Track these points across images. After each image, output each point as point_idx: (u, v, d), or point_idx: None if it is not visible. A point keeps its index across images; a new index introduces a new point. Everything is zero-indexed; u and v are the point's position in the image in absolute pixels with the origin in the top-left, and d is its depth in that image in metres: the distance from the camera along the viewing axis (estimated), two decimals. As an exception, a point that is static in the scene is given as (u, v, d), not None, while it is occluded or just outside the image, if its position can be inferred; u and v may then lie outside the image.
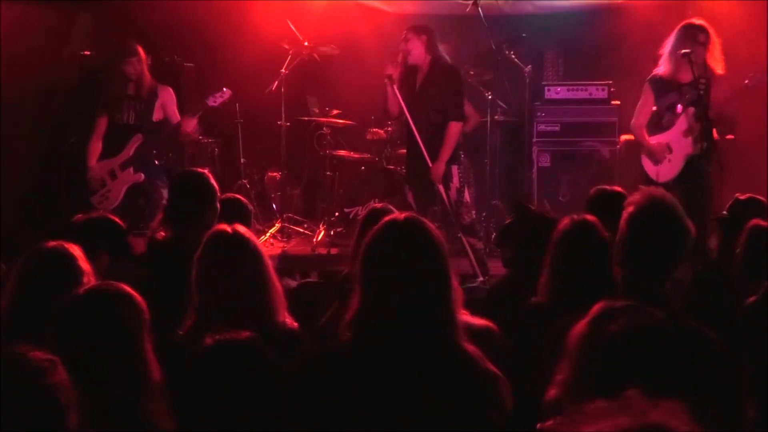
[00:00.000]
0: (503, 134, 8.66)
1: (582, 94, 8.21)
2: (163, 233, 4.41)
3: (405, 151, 7.43)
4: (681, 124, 6.52)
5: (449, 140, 6.68)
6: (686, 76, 6.46)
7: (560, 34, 9.38)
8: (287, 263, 7.22)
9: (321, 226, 8.22)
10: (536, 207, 7.57)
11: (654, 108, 6.69)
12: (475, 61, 8.34)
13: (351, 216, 7.87)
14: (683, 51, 6.37)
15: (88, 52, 8.36)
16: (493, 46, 7.92)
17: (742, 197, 4.57)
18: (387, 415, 2.36)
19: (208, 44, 9.13)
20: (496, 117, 8.42)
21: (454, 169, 6.80)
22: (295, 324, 3.28)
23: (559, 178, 8.11)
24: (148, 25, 8.47)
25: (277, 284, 3.32)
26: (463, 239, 6.62)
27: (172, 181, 4.93)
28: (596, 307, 2.36)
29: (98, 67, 8.02)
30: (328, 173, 8.59)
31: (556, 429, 2.09)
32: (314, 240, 8.05)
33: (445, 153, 6.68)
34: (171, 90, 7.17)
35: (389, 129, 8.36)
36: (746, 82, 6.54)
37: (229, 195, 4.95)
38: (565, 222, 3.51)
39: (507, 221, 4.66)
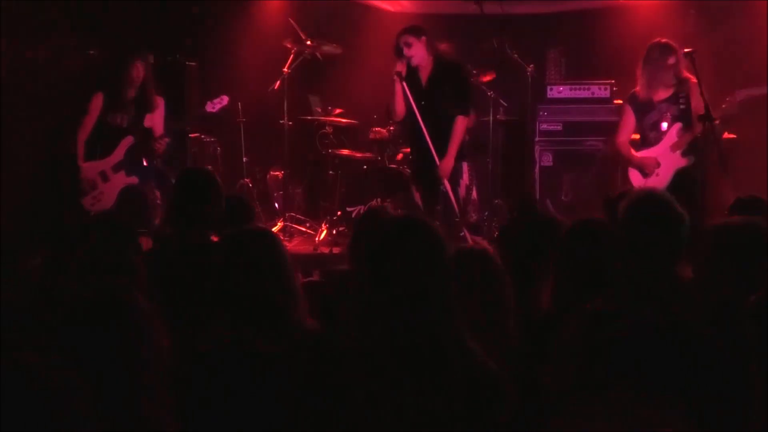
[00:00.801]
0: (505, 133, 8.67)
1: (584, 94, 8.22)
2: (169, 230, 4.42)
3: (408, 150, 7.44)
4: (668, 139, 6.63)
5: (456, 134, 6.71)
6: (661, 94, 6.57)
7: (562, 34, 9.40)
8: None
9: (323, 225, 8.23)
10: (539, 207, 7.63)
11: (634, 126, 6.83)
12: (477, 61, 8.34)
13: (353, 215, 7.87)
14: (685, 50, 6.43)
15: (93, 52, 8.37)
16: (495, 45, 7.93)
17: (744, 197, 4.59)
18: (389, 413, 2.37)
19: (211, 43, 9.14)
20: (498, 116, 8.43)
21: (465, 165, 6.83)
22: (316, 324, 3.28)
23: (562, 178, 8.12)
24: (151, 24, 8.48)
25: (298, 284, 3.34)
26: (468, 237, 6.63)
27: (177, 179, 4.93)
28: (591, 306, 2.37)
29: (102, 66, 8.02)
30: (330, 172, 8.59)
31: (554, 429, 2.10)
32: (316, 239, 8.05)
33: (453, 148, 6.71)
34: (163, 102, 7.17)
35: (391, 128, 8.36)
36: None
37: (233, 194, 4.96)
38: (571, 223, 3.52)
39: (511, 219, 4.65)
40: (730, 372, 2.70)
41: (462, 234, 6.64)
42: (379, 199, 7.81)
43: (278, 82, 8.26)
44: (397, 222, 2.56)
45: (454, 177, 6.74)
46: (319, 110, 9.14)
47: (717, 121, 6.30)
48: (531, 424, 2.41)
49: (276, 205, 8.98)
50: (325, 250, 7.77)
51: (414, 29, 6.87)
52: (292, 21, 8.38)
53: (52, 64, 8.09)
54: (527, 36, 9.05)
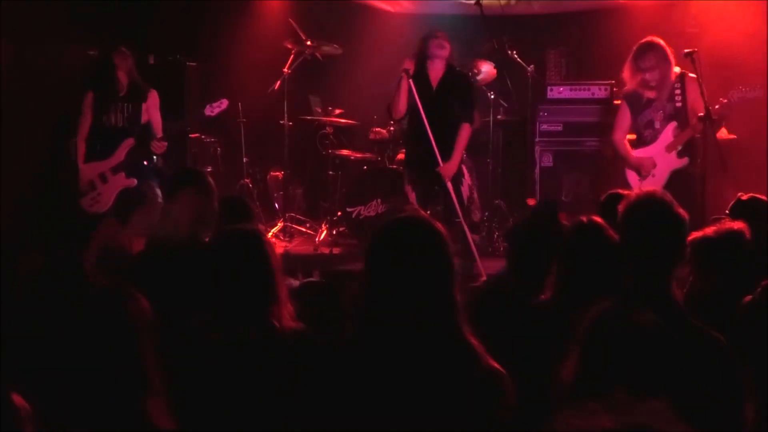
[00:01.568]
0: (506, 134, 8.67)
1: (584, 94, 8.21)
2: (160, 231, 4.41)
3: (405, 150, 7.46)
4: (663, 139, 6.62)
5: (462, 140, 6.84)
6: (655, 92, 6.58)
7: (563, 34, 9.40)
8: (289, 263, 7.20)
9: (323, 225, 8.23)
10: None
11: (630, 122, 6.82)
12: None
13: (353, 216, 7.88)
14: (686, 51, 6.43)
15: (93, 51, 8.37)
16: (495, 46, 7.93)
17: (744, 197, 4.58)
18: (391, 411, 2.37)
19: (211, 43, 9.15)
20: (498, 117, 8.44)
21: (463, 167, 6.90)
22: (300, 324, 3.28)
23: (562, 178, 8.11)
24: (151, 24, 8.48)
25: (284, 284, 3.34)
26: (469, 237, 6.64)
27: (169, 179, 4.92)
28: (593, 308, 2.37)
29: (89, 65, 8.01)
30: (330, 173, 8.59)
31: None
32: (317, 239, 8.05)
33: (458, 152, 6.83)
34: (156, 93, 7.16)
35: (392, 128, 8.36)
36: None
37: (233, 195, 4.95)
38: (572, 223, 3.53)
39: (529, 218, 4.60)
40: (728, 372, 2.71)
41: (463, 234, 6.64)
42: (379, 200, 7.80)
43: (278, 83, 8.27)
44: (399, 220, 2.56)
45: (456, 178, 6.79)
46: (319, 110, 9.15)
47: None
48: (534, 422, 2.41)
49: (276, 205, 8.99)
50: (326, 251, 7.77)
51: (444, 33, 7.01)
52: (292, 21, 8.38)
53: (52, 64, 8.09)
54: (527, 36, 9.05)
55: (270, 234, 8.16)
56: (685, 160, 6.60)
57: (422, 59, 6.93)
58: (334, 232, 8.09)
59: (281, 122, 8.44)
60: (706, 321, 2.84)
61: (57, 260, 3.41)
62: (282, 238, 8.22)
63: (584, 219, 3.51)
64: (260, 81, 8.55)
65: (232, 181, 8.70)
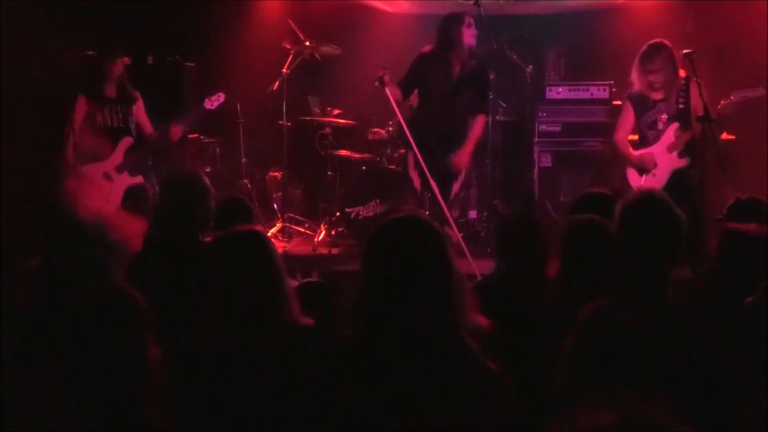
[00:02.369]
0: (504, 134, 8.67)
1: (583, 94, 8.20)
2: (156, 232, 4.41)
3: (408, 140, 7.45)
4: (666, 138, 6.63)
5: (477, 131, 6.93)
6: (659, 93, 6.59)
7: (562, 34, 9.40)
8: (288, 263, 7.12)
9: (322, 226, 8.22)
10: (538, 208, 7.62)
11: (634, 123, 6.85)
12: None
13: (352, 216, 7.87)
14: (684, 51, 6.43)
15: (91, 52, 8.36)
16: (495, 46, 7.93)
17: (743, 197, 4.59)
18: (388, 410, 2.37)
19: (210, 44, 9.14)
20: (497, 117, 8.43)
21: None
22: (310, 320, 3.27)
23: (561, 178, 8.11)
24: (149, 24, 8.47)
25: (288, 283, 3.34)
26: (454, 228, 6.65)
27: (163, 181, 4.92)
28: (588, 307, 2.37)
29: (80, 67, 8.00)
30: (329, 173, 8.59)
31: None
32: (315, 240, 8.05)
33: (471, 143, 6.91)
34: (139, 94, 7.16)
35: (390, 129, 8.36)
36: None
37: (233, 196, 4.95)
38: (571, 220, 3.53)
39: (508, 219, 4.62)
40: (724, 372, 2.70)
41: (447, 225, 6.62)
42: (378, 200, 7.80)
43: (277, 83, 8.26)
44: (397, 221, 2.56)
45: (453, 172, 6.83)
46: (318, 111, 9.14)
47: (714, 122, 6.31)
48: (532, 422, 2.41)
49: (275, 205, 8.98)
50: (324, 251, 7.76)
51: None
52: (291, 22, 8.38)
53: (51, 64, 8.08)
54: (526, 37, 9.04)
55: (269, 234, 8.16)
56: (685, 160, 6.62)
57: (449, 45, 6.89)
58: (333, 233, 8.09)
59: (280, 123, 8.43)
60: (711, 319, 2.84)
61: (55, 262, 3.40)
62: (281, 238, 8.21)
63: (582, 218, 3.51)
64: (259, 81, 8.55)
65: (231, 182, 8.69)
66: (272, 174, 9.22)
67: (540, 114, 8.18)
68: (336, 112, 8.91)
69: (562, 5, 9.36)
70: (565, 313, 2.74)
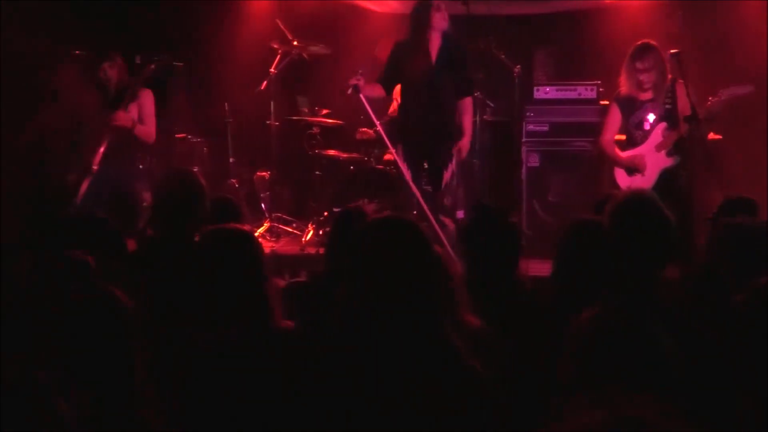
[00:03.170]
0: (492, 134, 8.67)
1: (571, 94, 8.21)
2: (150, 232, 4.40)
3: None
4: (653, 138, 6.66)
5: (469, 114, 6.90)
6: (646, 94, 6.60)
7: (550, 35, 9.41)
8: (276, 263, 7.21)
9: (310, 225, 8.21)
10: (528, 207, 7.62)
11: (620, 125, 6.87)
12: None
13: (336, 215, 7.86)
14: (671, 51, 6.46)
15: (79, 51, 8.33)
16: (482, 46, 7.93)
17: (733, 197, 4.60)
18: (373, 409, 2.37)
19: (198, 43, 9.12)
20: (485, 117, 8.43)
21: (453, 152, 6.95)
22: (290, 323, 3.27)
23: (548, 178, 8.12)
24: (137, 24, 8.45)
25: (273, 283, 3.33)
26: (441, 220, 6.66)
27: (160, 180, 4.91)
28: (590, 307, 2.37)
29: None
30: (317, 173, 8.58)
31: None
32: (303, 239, 8.04)
33: (470, 126, 6.94)
34: (150, 92, 7.12)
35: (378, 129, 8.35)
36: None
37: (221, 195, 4.95)
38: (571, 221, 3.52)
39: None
40: (718, 370, 2.71)
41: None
42: (366, 200, 7.79)
43: (265, 83, 8.25)
44: (383, 222, 2.56)
45: (446, 160, 6.83)
46: (306, 111, 9.13)
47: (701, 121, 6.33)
48: (530, 422, 2.41)
49: (263, 205, 8.96)
50: (312, 251, 7.75)
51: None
52: (279, 22, 8.36)
53: (48, 65, 8.07)
54: (514, 36, 9.05)
55: (256, 234, 8.14)
56: (674, 159, 6.64)
57: (421, 30, 6.87)
58: (321, 232, 8.07)
59: (268, 122, 8.42)
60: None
61: (47, 262, 3.38)
62: (268, 238, 8.20)
63: (582, 219, 3.51)
64: (247, 81, 8.54)
65: (219, 181, 8.67)
66: (260, 174, 9.19)
67: (528, 114, 8.18)
68: (324, 111, 8.90)
69: (550, 5, 9.37)
70: (561, 313, 2.75)
